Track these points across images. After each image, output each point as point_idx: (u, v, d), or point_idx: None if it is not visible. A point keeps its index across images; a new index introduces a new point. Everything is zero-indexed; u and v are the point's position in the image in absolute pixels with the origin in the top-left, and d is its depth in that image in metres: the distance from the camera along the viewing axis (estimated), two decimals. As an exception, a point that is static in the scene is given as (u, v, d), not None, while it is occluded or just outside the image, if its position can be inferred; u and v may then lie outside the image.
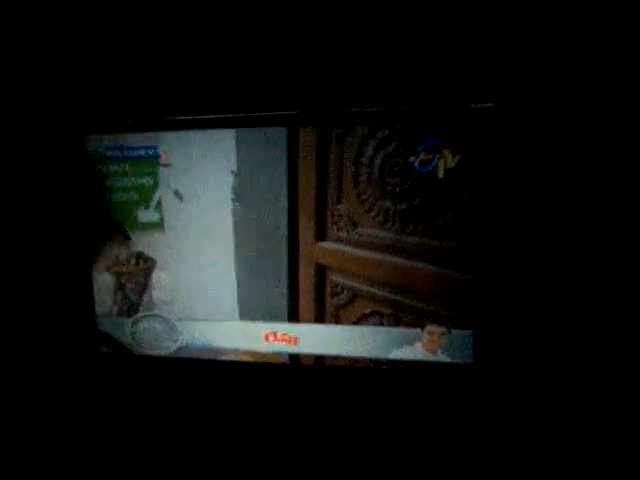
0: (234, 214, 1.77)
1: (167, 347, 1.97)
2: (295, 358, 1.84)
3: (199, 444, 1.98)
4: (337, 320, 1.76)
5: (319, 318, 1.77)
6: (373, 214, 1.65)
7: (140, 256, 1.93)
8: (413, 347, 1.72)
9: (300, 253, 1.75)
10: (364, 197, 1.65)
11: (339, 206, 1.67)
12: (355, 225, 1.67)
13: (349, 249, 1.69)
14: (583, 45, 1.50)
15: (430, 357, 1.71)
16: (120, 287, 1.99)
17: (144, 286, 1.95)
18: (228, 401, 1.99)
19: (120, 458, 1.96)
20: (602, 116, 1.52)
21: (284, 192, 1.72)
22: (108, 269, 1.99)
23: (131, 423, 2.05)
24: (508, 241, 1.62)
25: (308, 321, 1.78)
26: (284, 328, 1.81)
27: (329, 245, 1.71)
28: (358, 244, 1.68)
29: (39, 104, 1.94)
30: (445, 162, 1.58)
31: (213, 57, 1.75)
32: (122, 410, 2.08)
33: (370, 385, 1.82)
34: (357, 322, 1.74)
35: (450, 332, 1.67)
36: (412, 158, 1.60)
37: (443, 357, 1.71)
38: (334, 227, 1.69)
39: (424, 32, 1.57)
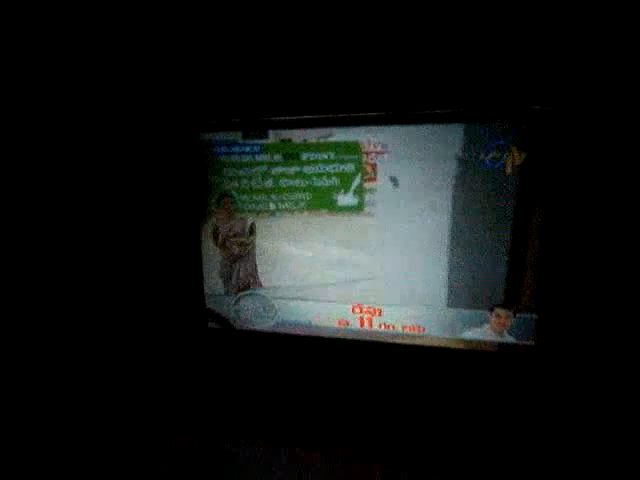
0: (454, 200, 1.93)
1: (265, 322, 2.28)
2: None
3: (293, 411, 2.17)
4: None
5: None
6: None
7: (252, 230, 2.22)
8: (482, 328, 1.97)
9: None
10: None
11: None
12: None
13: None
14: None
15: (497, 338, 1.96)
16: (231, 263, 2.28)
17: (252, 262, 2.24)
18: (320, 374, 2.22)
19: (224, 421, 2.16)
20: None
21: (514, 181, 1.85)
22: (219, 245, 2.27)
23: (233, 392, 2.28)
24: (572, 231, 1.79)
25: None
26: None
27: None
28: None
29: (168, 106, 2.22)
30: (513, 159, 1.83)
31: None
32: (226, 380, 2.32)
33: (441, 363, 2.06)
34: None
35: (516, 315, 1.92)
36: (482, 155, 1.87)
37: (508, 338, 1.95)
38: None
39: (496, 41, 1.78)
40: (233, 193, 2.20)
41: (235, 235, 2.24)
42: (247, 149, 2.15)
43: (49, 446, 2.08)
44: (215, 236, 2.29)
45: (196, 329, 2.39)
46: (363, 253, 2.07)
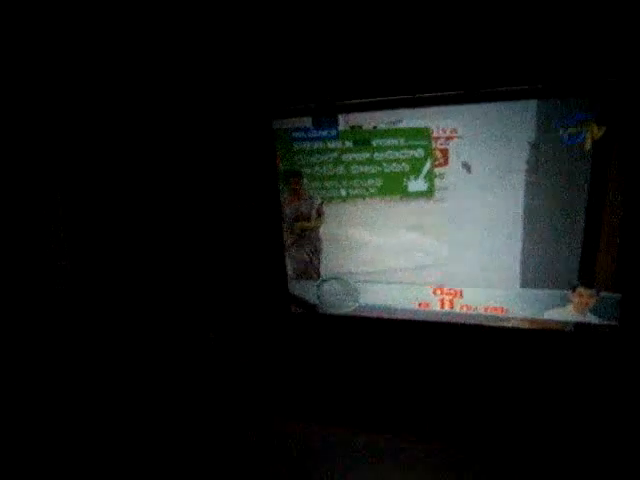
0: (529, 180, 1.90)
1: (347, 306, 2.34)
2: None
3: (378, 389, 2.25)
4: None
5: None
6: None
7: (320, 213, 2.26)
8: (564, 308, 1.95)
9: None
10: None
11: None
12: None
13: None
14: None
15: (579, 318, 1.93)
16: (296, 246, 2.35)
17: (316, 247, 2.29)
18: (402, 356, 2.27)
19: (308, 406, 2.25)
20: None
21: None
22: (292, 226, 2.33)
23: (317, 376, 2.37)
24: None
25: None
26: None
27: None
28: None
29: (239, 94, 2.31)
30: (592, 134, 1.78)
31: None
32: (309, 364, 2.42)
33: (521, 344, 2.05)
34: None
35: (599, 295, 1.88)
36: (561, 132, 1.82)
37: (591, 318, 1.91)
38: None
39: (572, 12, 1.75)
40: (303, 171, 2.25)
41: (301, 217, 2.31)
42: (319, 134, 2.18)
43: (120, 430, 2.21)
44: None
45: (279, 314, 2.49)
46: (434, 238, 2.10)
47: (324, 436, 2.06)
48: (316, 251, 2.31)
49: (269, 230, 2.40)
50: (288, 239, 2.36)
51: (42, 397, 2.35)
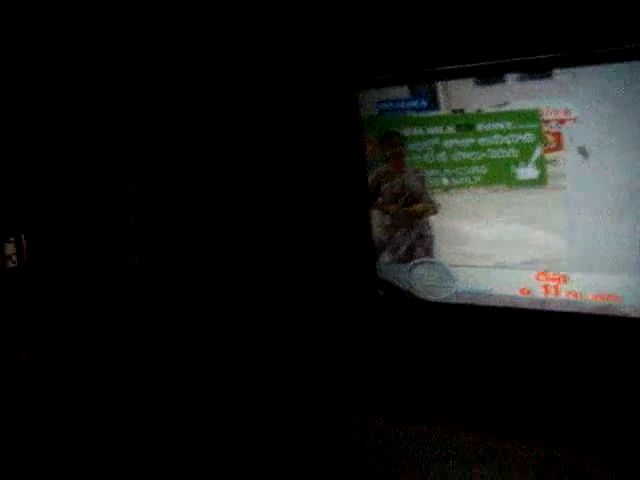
0: None
1: (442, 292, 2.25)
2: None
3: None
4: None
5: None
6: None
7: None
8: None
9: None
10: None
11: None
12: None
13: None
14: None
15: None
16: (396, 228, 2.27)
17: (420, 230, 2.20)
18: (501, 346, 2.14)
19: (397, 397, 2.20)
20: None
21: None
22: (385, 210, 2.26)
23: (407, 364, 2.30)
24: None
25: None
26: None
27: None
28: None
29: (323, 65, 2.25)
30: None
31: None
32: (399, 351, 2.33)
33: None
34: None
35: None
36: None
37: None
38: None
39: None
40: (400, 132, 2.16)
41: (409, 197, 2.21)
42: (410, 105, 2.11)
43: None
44: (376, 194, 2.27)
45: (367, 298, 2.44)
46: (549, 230, 1.98)
47: (409, 433, 2.00)
48: (421, 237, 2.23)
49: (356, 210, 2.36)
50: (387, 220, 2.28)
51: (119, 393, 2.40)
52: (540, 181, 1.95)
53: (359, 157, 2.28)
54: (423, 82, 2.07)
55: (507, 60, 1.91)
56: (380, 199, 2.27)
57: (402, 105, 2.14)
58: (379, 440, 1.98)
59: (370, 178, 2.28)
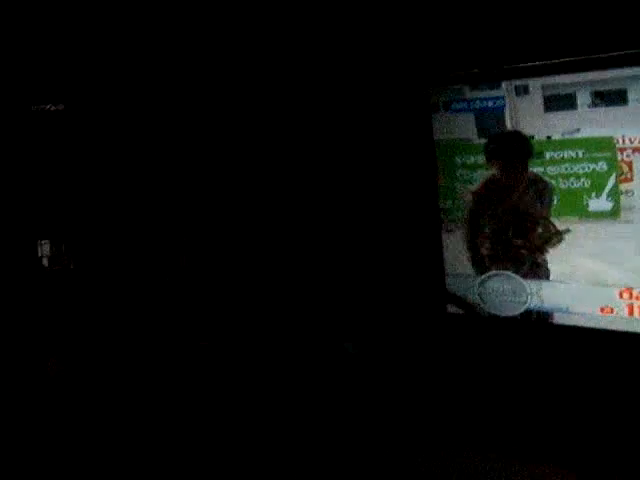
0: None
1: (514, 308, 2.14)
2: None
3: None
4: None
5: None
6: None
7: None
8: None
9: None
10: None
11: None
12: None
13: None
14: None
15: None
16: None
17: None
18: (581, 371, 1.99)
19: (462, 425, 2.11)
20: None
21: None
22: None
23: (474, 387, 2.19)
24: None
25: None
26: None
27: None
28: None
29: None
30: None
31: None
32: (467, 372, 2.21)
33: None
34: None
35: None
36: None
37: None
38: None
39: None
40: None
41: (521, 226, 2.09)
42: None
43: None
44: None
45: (434, 314, 2.34)
46: (621, 267, 1.88)
47: (481, 468, 1.90)
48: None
49: (424, 217, 2.29)
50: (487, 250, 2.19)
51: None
52: (614, 214, 1.86)
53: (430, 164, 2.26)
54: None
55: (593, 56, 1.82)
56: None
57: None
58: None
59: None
